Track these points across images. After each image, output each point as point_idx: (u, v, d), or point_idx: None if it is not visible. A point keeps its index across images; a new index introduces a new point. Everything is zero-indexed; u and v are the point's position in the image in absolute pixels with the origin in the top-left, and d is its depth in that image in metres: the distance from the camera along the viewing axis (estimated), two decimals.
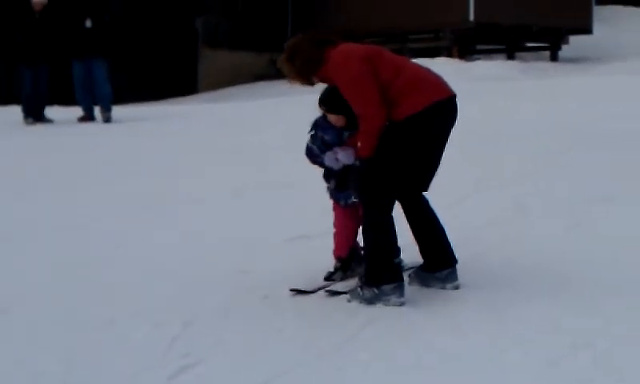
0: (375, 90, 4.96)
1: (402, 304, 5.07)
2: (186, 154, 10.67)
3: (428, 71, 5.23)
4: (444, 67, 19.74)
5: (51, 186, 9.09)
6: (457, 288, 5.33)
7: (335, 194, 5.53)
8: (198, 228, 7.15)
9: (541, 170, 8.55)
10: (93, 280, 5.88)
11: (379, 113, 4.98)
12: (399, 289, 5.10)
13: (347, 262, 5.61)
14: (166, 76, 22.31)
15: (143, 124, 13.72)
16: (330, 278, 5.55)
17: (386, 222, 5.11)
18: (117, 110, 14.47)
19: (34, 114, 13.98)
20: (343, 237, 5.60)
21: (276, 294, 5.36)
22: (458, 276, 5.36)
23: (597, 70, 19.85)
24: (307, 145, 5.49)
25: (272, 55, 23.00)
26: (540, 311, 4.89)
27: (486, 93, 14.76)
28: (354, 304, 5.13)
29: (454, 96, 5.20)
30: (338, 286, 5.44)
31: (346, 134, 5.35)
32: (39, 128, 13.66)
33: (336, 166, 5.41)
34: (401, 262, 5.19)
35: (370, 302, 5.09)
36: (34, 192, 8.82)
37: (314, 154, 5.47)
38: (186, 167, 9.84)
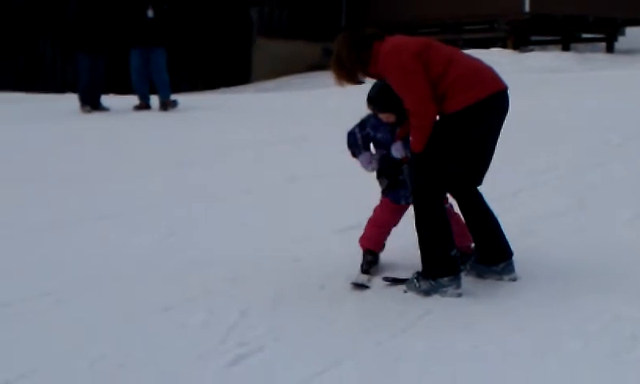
0: (426, 85, 4.91)
1: (459, 295, 5.05)
2: (237, 143, 10.69)
3: (479, 63, 5.17)
4: (498, 58, 19.76)
5: (106, 173, 9.17)
6: (514, 280, 5.30)
7: (391, 194, 5.51)
8: (249, 216, 7.15)
9: (599, 162, 8.44)
10: (147, 267, 5.91)
11: (430, 109, 4.93)
12: (456, 280, 5.08)
13: (377, 257, 5.61)
14: (221, 65, 22.42)
15: (198, 113, 13.78)
16: (367, 271, 5.49)
17: (440, 214, 5.09)
18: (174, 98, 14.54)
19: (91, 102, 14.10)
20: (384, 232, 5.58)
21: (331, 284, 5.36)
22: (515, 268, 5.33)
23: None
24: (351, 131, 5.47)
25: (325, 45, 23.06)
26: (599, 303, 4.85)
27: (542, 84, 14.65)
28: (411, 295, 5.12)
29: (506, 89, 5.13)
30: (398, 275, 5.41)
31: (397, 129, 5.33)
32: (96, 116, 13.78)
33: (368, 169, 5.46)
34: (457, 254, 5.15)
35: (427, 293, 5.07)
36: (90, 179, 8.89)
37: (353, 142, 5.46)
38: (238, 157, 9.86)
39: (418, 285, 5.12)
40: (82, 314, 5.08)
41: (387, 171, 5.46)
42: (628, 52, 23.16)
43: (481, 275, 5.38)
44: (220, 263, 5.89)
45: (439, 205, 5.10)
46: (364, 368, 4.21)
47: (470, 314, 4.82)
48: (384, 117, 5.30)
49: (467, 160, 5.16)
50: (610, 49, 24.32)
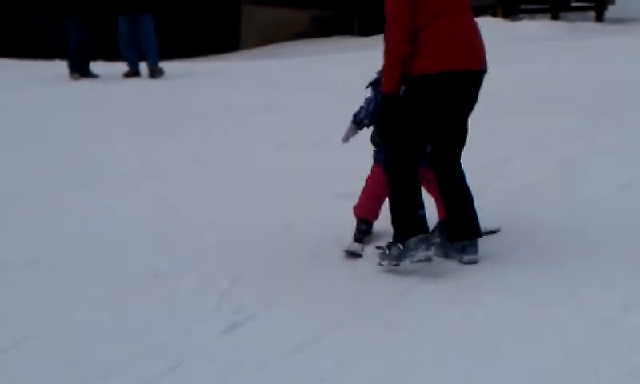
0: (407, 22, 4.81)
1: (428, 258, 4.90)
2: (227, 111, 10.66)
3: (464, 33, 4.94)
4: (488, 26, 19.69)
5: (97, 139, 9.13)
6: (473, 262, 5.11)
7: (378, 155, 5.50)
8: (239, 183, 7.14)
9: (590, 130, 8.43)
10: (138, 233, 5.90)
11: (401, 45, 4.82)
12: (424, 241, 4.91)
13: (370, 226, 5.59)
14: (209, 33, 22.29)
15: (187, 80, 13.72)
16: (360, 240, 5.47)
17: (405, 177, 4.99)
18: (160, 66, 14.48)
19: (80, 69, 14.02)
20: (378, 201, 5.53)
21: (324, 252, 5.36)
22: (478, 251, 5.15)
23: None
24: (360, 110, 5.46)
25: (314, 12, 22.95)
26: (591, 270, 4.87)
27: (532, 53, 14.63)
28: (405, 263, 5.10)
29: (479, 71, 4.96)
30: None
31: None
32: (85, 83, 13.70)
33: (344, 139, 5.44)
34: (423, 213, 4.99)
35: (398, 259, 4.94)
36: (82, 145, 8.87)
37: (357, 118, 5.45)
38: (229, 123, 9.83)
39: (388, 252, 5.01)
40: (74, 280, 5.08)
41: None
42: (618, 21, 23.11)
43: (446, 255, 5.21)
44: (211, 229, 5.88)
45: (404, 169, 4.99)
46: (358, 335, 4.22)
47: (461, 281, 4.85)
48: None
49: (424, 128, 5.00)
50: (599, 18, 24.25)
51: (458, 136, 5.16)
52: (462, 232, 5.14)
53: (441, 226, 5.40)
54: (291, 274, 5.06)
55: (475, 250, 5.14)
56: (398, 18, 4.84)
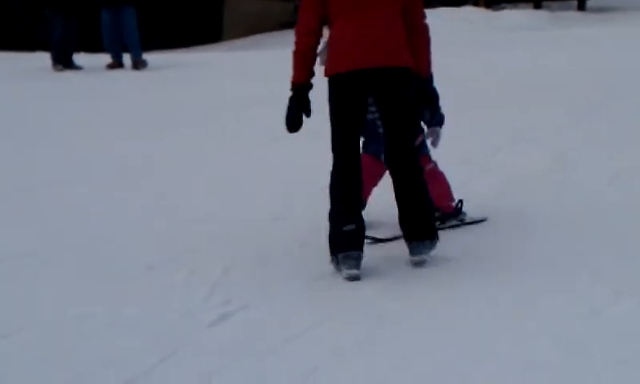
0: (311, 14, 4.83)
1: (351, 278, 4.73)
2: (215, 103, 10.65)
3: (366, 31, 4.79)
4: (470, 16, 19.79)
5: (87, 133, 9.12)
6: (418, 263, 4.92)
7: (373, 145, 5.52)
8: (231, 175, 7.15)
9: (579, 120, 8.44)
10: (130, 226, 5.93)
11: (302, 36, 4.87)
12: (349, 260, 4.75)
13: None
14: (191, 24, 22.23)
15: (171, 72, 13.69)
16: None
17: (336, 184, 4.91)
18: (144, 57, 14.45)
19: (63, 61, 13.99)
20: (365, 192, 5.44)
21: (314, 242, 5.36)
22: (424, 252, 4.93)
23: (625, 19, 19.66)
24: None
25: (297, 2, 22.91)
26: (580, 260, 4.91)
27: (514, 43, 14.68)
28: (397, 252, 5.11)
29: (386, 69, 4.79)
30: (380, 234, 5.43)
31: None
32: (68, 74, 13.66)
33: None
34: (352, 229, 4.79)
35: (338, 270, 4.84)
36: (66, 139, 8.86)
37: None
38: (216, 116, 9.82)
39: (331, 262, 4.89)
40: (68, 273, 5.10)
41: (369, 125, 5.43)
42: (599, 10, 23.20)
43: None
44: (203, 222, 5.91)
45: (337, 172, 4.91)
46: (347, 326, 4.25)
47: (451, 274, 4.87)
48: None
49: (342, 126, 4.90)
50: (581, 7, 24.33)
51: (399, 134, 4.91)
52: (411, 232, 4.94)
53: None
54: (282, 265, 5.09)
55: (420, 251, 4.91)
56: (303, 8, 4.90)
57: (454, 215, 5.56)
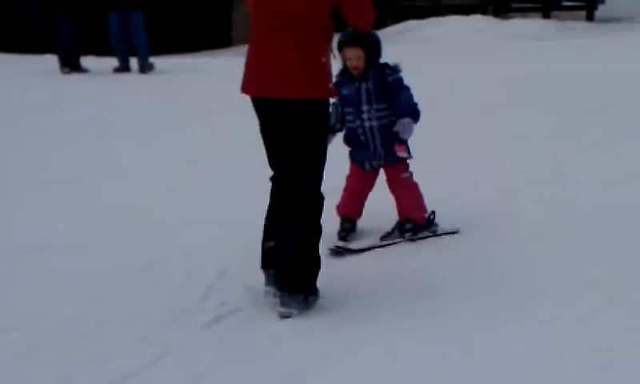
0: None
1: (267, 294, 4.55)
2: (219, 107, 10.65)
3: (264, 57, 4.44)
4: (479, 25, 19.79)
5: (92, 134, 9.15)
6: (285, 316, 4.39)
7: (357, 155, 5.54)
8: (229, 178, 7.15)
9: (577, 130, 8.43)
10: (127, 227, 5.95)
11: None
12: (265, 274, 4.64)
13: (355, 224, 5.63)
14: (200, 28, 22.28)
15: (177, 76, 13.72)
16: (344, 238, 5.50)
17: (270, 194, 4.71)
18: (151, 61, 14.49)
19: (70, 64, 14.04)
20: (359, 199, 5.61)
21: None
22: (302, 309, 4.42)
23: (633, 29, 19.67)
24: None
25: None
26: (574, 266, 4.94)
27: (523, 52, 14.69)
28: (388, 261, 5.14)
29: (274, 100, 4.40)
30: (359, 244, 5.44)
31: (364, 86, 5.34)
32: (75, 77, 13.71)
33: None
34: (271, 246, 4.59)
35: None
36: (74, 140, 8.90)
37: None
38: (218, 120, 9.82)
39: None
40: (63, 272, 5.13)
41: (351, 133, 5.49)
42: (608, 20, 23.19)
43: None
44: (199, 223, 5.92)
45: (271, 189, 4.68)
46: (341, 326, 4.29)
47: (442, 278, 4.89)
48: (354, 54, 5.28)
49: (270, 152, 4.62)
50: (590, 17, 24.33)
51: (290, 173, 4.49)
52: (286, 281, 4.45)
53: (400, 226, 5.48)
54: None
55: (289, 304, 4.40)
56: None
57: (427, 227, 5.53)
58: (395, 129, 5.33)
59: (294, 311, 4.37)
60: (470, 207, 5.47)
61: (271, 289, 4.53)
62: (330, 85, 4.49)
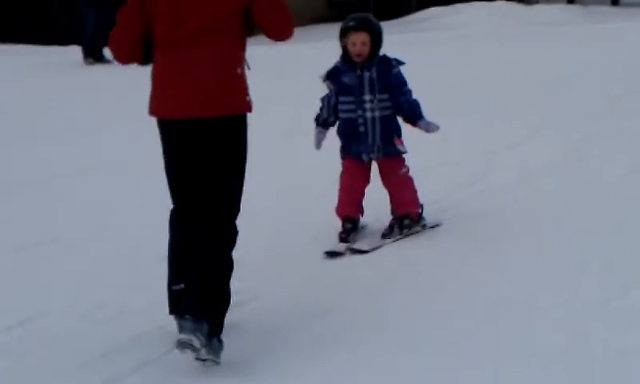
0: (126, 24, 4.21)
1: (177, 344, 3.83)
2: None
3: (180, 74, 4.00)
4: (503, 11, 19.65)
5: (110, 124, 9.18)
6: (187, 343, 3.80)
7: (354, 146, 5.42)
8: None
9: (599, 115, 8.36)
10: (143, 217, 5.97)
11: (116, 51, 4.28)
12: (177, 321, 3.99)
13: (356, 224, 5.51)
14: None
15: None
16: (345, 239, 5.35)
17: (170, 236, 4.28)
18: None
19: (94, 55, 14.11)
20: (357, 196, 5.47)
21: (324, 236, 5.40)
22: (185, 332, 3.84)
23: None
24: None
25: None
26: (591, 252, 4.94)
27: (547, 37, 14.56)
28: (402, 256, 5.17)
29: (193, 120, 4.00)
30: (363, 245, 5.35)
31: (367, 75, 5.27)
32: (99, 68, 13.77)
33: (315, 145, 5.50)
34: (181, 289, 4.08)
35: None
36: (104, 129, 8.96)
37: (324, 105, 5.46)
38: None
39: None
40: (80, 263, 5.21)
41: (348, 124, 5.41)
42: (634, 5, 22.95)
43: None
44: None
45: (172, 225, 4.28)
46: (354, 317, 4.33)
47: (458, 263, 4.93)
48: (359, 40, 5.25)
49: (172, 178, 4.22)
50: (615, 2, 24.13)
51: (206, 191, 4.10)
52: (193, 305, 3.93)
53: (399, 222, 5.42)
54: (291, 258, 5.16)
55: (193, 330, 3.81)
56: (120, 15, 4.28)
57: (418, 221, 5.49)
58: (422, 130, 5.33)
59: (194, 340, 3.78)
60: (484, 193, 5.45)
61: (182, 336, 3.83)
62: (248, 98, 4.16)
